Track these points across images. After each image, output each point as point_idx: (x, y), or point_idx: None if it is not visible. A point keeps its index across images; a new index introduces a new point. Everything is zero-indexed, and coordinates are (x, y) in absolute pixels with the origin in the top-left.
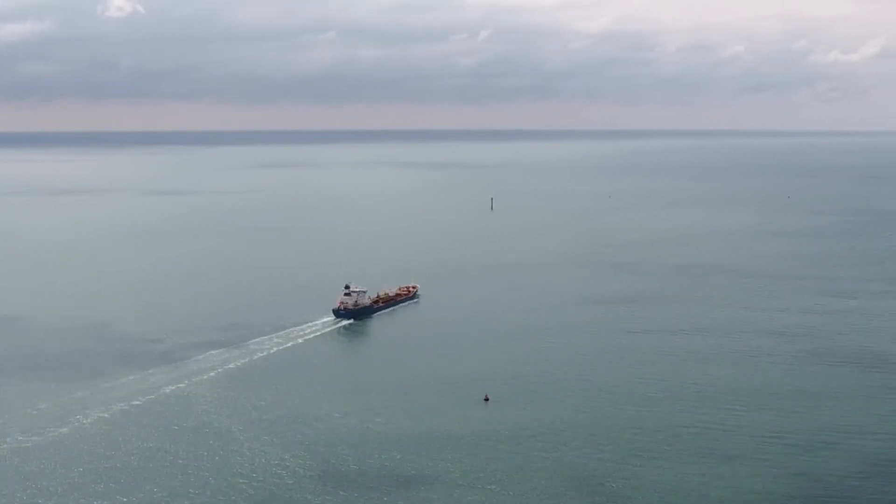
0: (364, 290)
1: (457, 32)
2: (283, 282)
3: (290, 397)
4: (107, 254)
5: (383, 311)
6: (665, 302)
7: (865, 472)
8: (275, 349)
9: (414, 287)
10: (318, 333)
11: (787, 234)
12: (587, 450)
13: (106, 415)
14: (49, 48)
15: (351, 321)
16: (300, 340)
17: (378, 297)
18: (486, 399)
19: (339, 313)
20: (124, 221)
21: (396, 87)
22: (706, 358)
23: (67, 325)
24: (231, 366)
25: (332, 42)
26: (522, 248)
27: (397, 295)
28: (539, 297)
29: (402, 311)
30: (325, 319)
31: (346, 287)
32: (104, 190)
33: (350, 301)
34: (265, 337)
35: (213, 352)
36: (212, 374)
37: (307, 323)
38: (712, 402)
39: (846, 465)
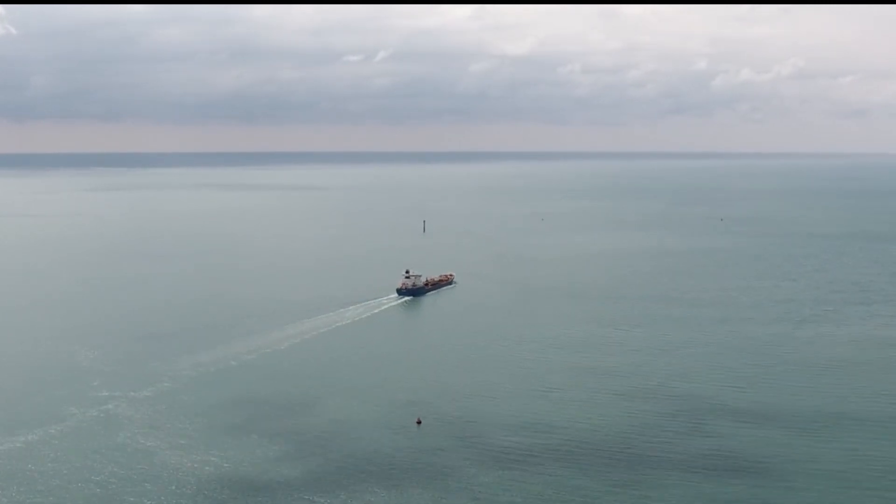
0: (420, 274)
1: (377, 53)
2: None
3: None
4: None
5: (432, 292)
6: (609, 323)
7: None
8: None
9: (451, 274)
10: (389, 306)
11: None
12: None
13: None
14: None
15: (410, 298)
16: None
17: (427, 281)
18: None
19: (402, 292)
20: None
21: (314, 109)
22: (644, 375)
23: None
24: (334, 326)
25: (252, 63)
26: (463, 269)
27: (440, 280)
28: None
29: (445, 292)
30: (391, 296)
31: (407, 272)
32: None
33: (409, 283)
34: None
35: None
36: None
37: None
38: (656, 425)
39: None
